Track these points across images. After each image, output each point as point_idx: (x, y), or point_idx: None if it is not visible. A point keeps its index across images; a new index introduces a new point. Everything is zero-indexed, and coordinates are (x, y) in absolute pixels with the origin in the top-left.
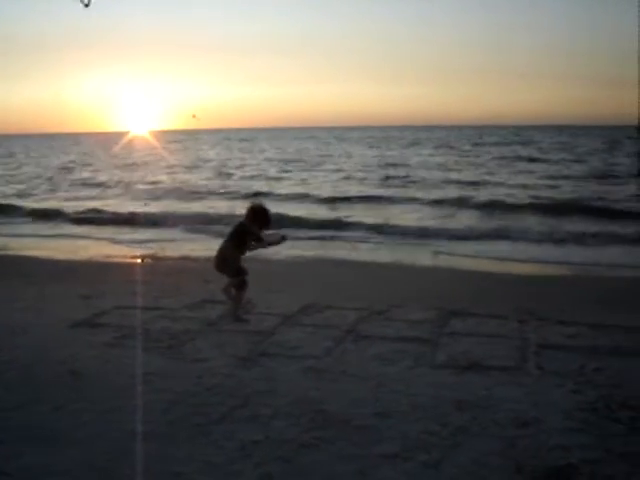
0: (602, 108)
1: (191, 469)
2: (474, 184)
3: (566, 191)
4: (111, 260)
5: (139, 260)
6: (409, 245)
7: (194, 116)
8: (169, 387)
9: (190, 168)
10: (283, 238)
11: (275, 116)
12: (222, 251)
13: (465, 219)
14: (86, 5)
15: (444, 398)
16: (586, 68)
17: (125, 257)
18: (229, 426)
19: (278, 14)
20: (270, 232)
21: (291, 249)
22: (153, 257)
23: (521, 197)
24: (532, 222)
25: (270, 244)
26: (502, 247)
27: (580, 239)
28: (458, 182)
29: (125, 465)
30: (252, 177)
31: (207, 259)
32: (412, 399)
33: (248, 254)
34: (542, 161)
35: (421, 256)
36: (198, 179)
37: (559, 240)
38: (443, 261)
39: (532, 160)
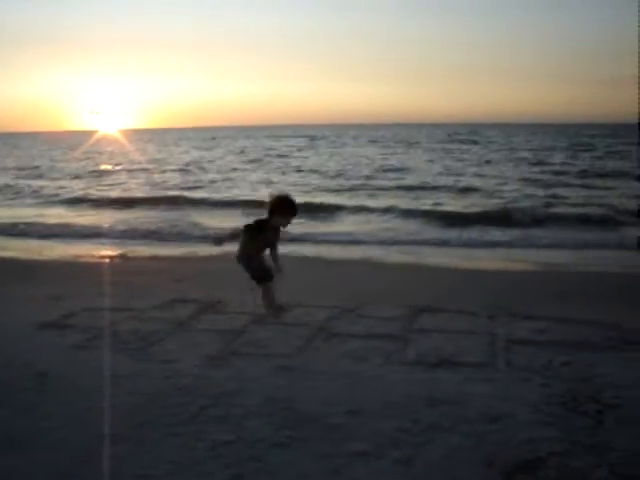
0: (588, 107)
1: (160, 471)
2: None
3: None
4: (80, 260)
5: (108, 260)
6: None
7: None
8: (138, 389)
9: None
10: (280, 270)
11: (254, 114)
12: (243, 248)
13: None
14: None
15: (415, 395)
16: (569, 67)
17: (94, 257)
18: (199, 427)
19: (253, 10)
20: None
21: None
22: (123, 257)
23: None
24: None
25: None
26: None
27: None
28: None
29: (92, 469)
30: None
31: (177, 258)
32: (383, 396)
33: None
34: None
35: (389, 254)
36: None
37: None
38: (413, 258)
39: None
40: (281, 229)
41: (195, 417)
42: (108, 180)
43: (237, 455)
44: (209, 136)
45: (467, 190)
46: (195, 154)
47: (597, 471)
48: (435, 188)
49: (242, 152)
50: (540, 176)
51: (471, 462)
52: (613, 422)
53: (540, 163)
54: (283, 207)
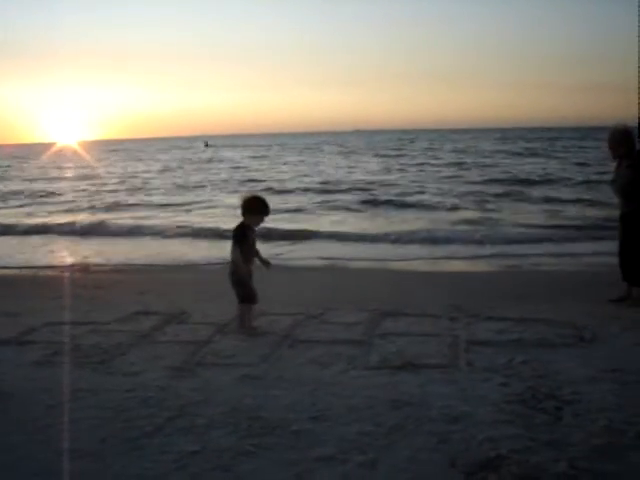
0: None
1: None
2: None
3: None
4: (40, 274)
5: (69, 274)
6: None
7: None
8: (101, 403)
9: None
10: (268, 263)
11: (214, 123)
12: (231, 256)
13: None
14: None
15: (378, 398)
16: (515, 73)
17: (54, 270)
18: (164, 439)
19: (215, 20)
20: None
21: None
22: (83, 270)
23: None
24: None
25: (260, 259)
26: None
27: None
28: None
29: None
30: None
31: (139, 270)
32: (347, 401)
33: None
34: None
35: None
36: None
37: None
38: (376, 263)
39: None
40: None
41: (160, 429)
42: None
43: (203, 465)
44: (170, 145)
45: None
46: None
47: (556, 466)
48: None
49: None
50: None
51: (434, 462)
52: (571, 417)
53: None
54: (256, 207)
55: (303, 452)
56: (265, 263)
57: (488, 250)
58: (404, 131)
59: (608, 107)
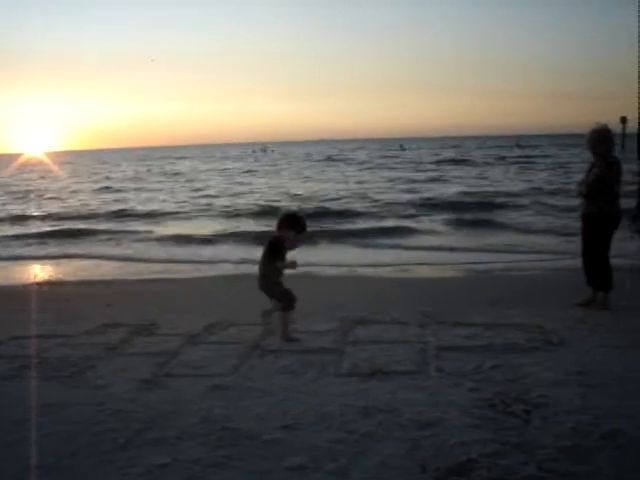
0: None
1: None
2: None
3: None
4: (5, 287)
5: (37, 286)
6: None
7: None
8: (69, 417)
9: None
10: (294, 263)
11: (177, 133)
12: (260, 268)
13: None
14: None
15: (350, 406)
16: (474, 80)
17: (21, 283)
18: (134, 452)
19: (178, 29)
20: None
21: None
22: (50, 282)
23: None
24: None
25: (284, 267)
26: None
27: None
28: None
29: None
30: None
31: (107, 282)
32: (318, 409)
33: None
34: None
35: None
36: None
37: None
38: (345, 271)
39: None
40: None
41: (129, 442)
42: None
43: (173, 478)
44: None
45: None
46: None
47: (525, 469)
48: None
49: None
50: None
51: (406, 469)
52: (539, 420)
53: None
54: (293, 224)
55: (274, 462)
56: (292, 263)
57: (456, 257)
58: (365, 140)
59: (570, 115)
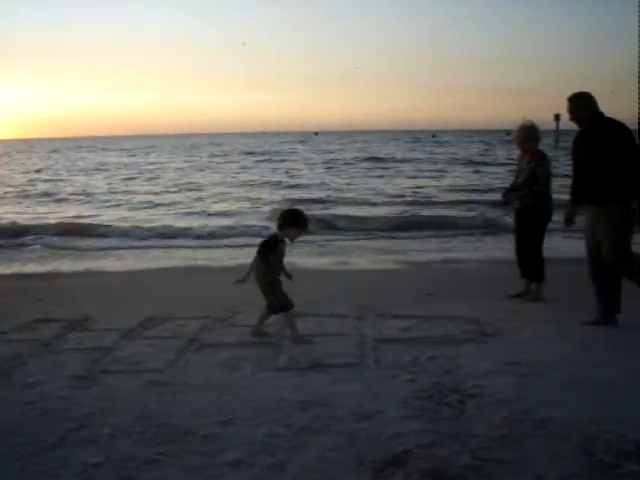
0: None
1: None
2: None
3: None
4: None
5: None
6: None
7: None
8: None
9: None
10: (290, 275)
11: (121, 123)
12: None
13: None
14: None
15: (287, 400)
16: (420, 76)
17: None
18: (66, 451)
19: (121, 20)
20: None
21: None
22: None
23: None
24: None
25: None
26: None
27: None
28: None
29: None
30: None
31: (39, 276)
32: (256, 404)
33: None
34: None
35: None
36: None
37: None
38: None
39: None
40: (288, 242)
41: (61, 442)
42: None
43: (107, 477)
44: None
45: None
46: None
47: (460, 458)
48: None
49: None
50: None
51: (343, 462)
52: (474, 410)
53: None
54: (296, 220)
55: (211, 457)
56: (288, 276)
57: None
58: (304, 133)
59: (515, 110)
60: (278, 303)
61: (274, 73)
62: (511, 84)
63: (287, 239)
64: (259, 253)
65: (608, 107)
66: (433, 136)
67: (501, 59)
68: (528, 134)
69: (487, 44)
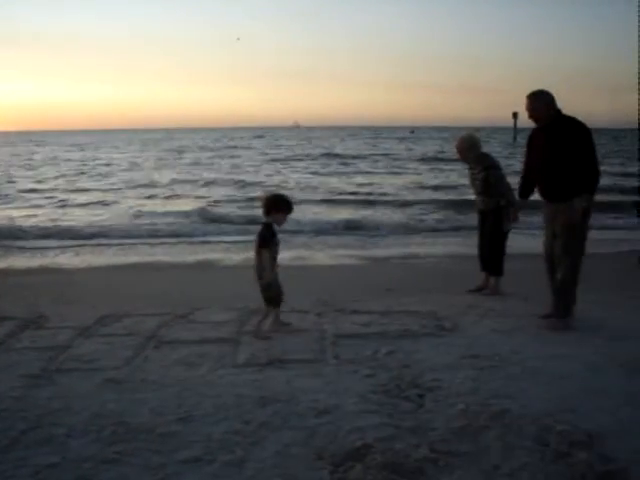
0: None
1: None
2: None
3: None
4: None
5: None
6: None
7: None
8: None
9: None
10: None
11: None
12: (257, 261)
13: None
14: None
15: (246, 396)
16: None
17: None
18: (19, 453)
19: (101, 10)
20: None
21: (75, 256)
22: None
23: None
24: None
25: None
26: None
27: None
28: None
29: None
30: None
31: None
32: (215, 400)
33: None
34: None
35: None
36: None
37: None
38: (244, 261)
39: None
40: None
41: (14, 443)
42: None
43: (63, 477)
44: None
45: None
46: None
47: (418, 451)
48: None
49: None
50: None
51: (302, 457)
52: (432, 403)
53: None
54: (284, 204)
55: (169, 455)
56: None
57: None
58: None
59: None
60: (277, 296)
61: (251, 67)
62: (470, 81)
63: (276, 224)
64: (262, 247)
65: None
66: (412, 132)
67: (463, 56)
68: (467, 145)
69: (447, 41)
